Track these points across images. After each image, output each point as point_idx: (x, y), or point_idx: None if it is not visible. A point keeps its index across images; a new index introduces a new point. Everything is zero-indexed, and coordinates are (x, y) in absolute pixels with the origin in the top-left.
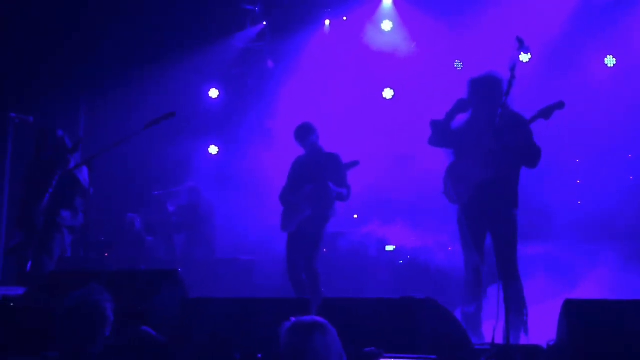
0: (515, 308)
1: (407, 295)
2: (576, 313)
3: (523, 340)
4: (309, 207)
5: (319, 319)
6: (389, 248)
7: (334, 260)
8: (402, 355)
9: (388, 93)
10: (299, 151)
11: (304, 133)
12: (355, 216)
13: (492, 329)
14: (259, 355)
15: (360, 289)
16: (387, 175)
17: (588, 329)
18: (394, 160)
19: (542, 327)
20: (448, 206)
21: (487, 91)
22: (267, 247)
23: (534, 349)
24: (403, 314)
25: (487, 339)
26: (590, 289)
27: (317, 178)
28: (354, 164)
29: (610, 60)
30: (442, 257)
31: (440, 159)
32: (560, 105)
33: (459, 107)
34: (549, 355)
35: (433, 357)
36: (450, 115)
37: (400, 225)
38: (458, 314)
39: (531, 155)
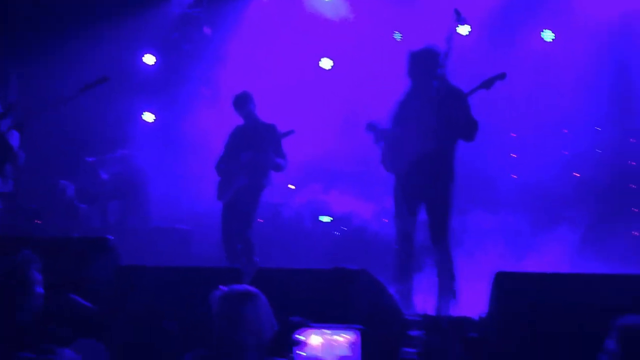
0: (446, 280)
1: (341, 266)
2: (506, 285)
3: (453, 311)
4: (245, 176)
5: (251, 288)
6: (326, 219)
7: (271, 231)
8: (328, 325)
9: (326, 63)
10: (237, 120)
11: (242, 102)
12: (292, 186)
13: (423, 301)
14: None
15: (296, 260)
16: (327, 145)
17: (517, 301)
18: (334, 130)
19: (477, 299)
20: (386, 176)
21: (426, 64)
22: (204, 217)
23: (465, 321)
24: (336, 285)
25: (419, 310)
26: (527, 261)
27: (254, 147)
28: (289, 133)
29: (547, 35)
30: (379, 227)
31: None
32: (501, 76)
33: (376, 134)
34: (479, 327)
35: (359, 326)
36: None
37: (338, 196)
38: (391, 286)
39: (469, 128)
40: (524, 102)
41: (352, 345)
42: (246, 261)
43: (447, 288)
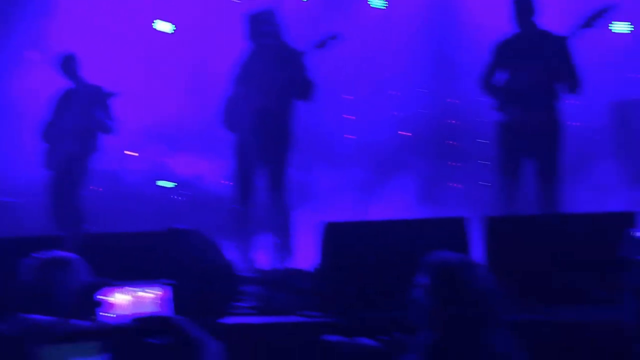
0: (282, 237)
1: (172, 226)
2: (335, 235)
3: (291, 265)
4: (73, 142)
5: (62, 254)
6: (167, 184)
7: (110, 199)
8: (136, 283)
9: (164, 25)
10: (64, 84)
11: (67, 64)
12: (132, 153)
13: (261, 258)
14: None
15: (137, 227)
16: (169, 109)
17: (345, 250)
18: (176, 94)
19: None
20: (228, 138)
21: (263, 25)
22: (31, 186)
23: (300, 273)
24: (167, 245)
25: (257, 266)
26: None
27: (80, 111)
28: (116, 93)
29: (376, 2)
30: (220, 189)
31: (221, 92)
32: (333, 37)
33: None
34: (314, 278)
35: (170, 281)
36: None
37: (180, 160)
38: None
39: (305, 88)
40: (357, 65)
41: (161, 300)
42: (76, 229)
43: (283, 244)
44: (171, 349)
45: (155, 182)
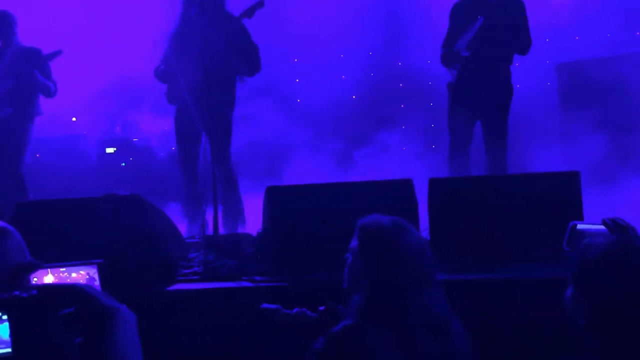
0: (229, 202)
1: (110, 192)
2: (275, 198)
3: (239, 230)
4: (9, 105)
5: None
6: (109, 150)
7: (48, 165)
8: (64, 263)
9: None
10: None
11: (4, 24)
12: (74, 119)
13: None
14: None
15: (77, 193)
16: (108, 73)
17: (284, 212)
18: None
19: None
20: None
21: None
22: None
23: (243, 237)
24: (106, 211)
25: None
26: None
27: (15, 74)
28: (56, 54)
29: None
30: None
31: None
32: (260, 4)
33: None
34: (256, 241)
35: (99, 260)
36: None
37: (127, 125)
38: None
39: (248, 54)
40: (304, 28)
41: (88, 280)
42: (18, 199)
43: (234, 211)
44: (77, 318)
45: (103, 149)
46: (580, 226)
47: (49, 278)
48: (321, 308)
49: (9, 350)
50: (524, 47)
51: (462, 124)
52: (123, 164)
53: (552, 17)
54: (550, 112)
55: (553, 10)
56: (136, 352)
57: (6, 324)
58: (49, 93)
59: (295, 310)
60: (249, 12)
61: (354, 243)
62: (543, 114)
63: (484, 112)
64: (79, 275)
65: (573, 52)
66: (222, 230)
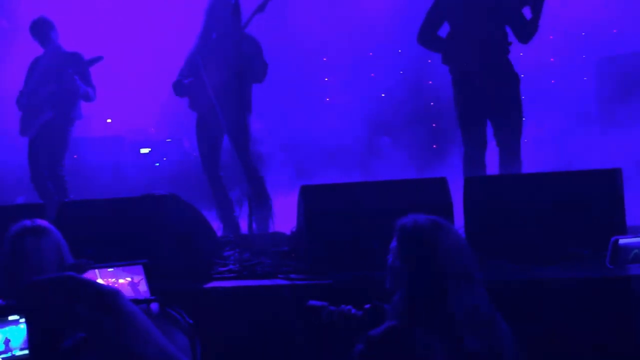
0: (259, 201)
1: (149, 192)
2: (309, 197)
3: (270, 229)
4: (49, 109)
5: (39, 222)
6: (143, 150)
7: (85, 166)
8: (111, 264)
9: None
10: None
11: (41, 29)
12: (109, 120)
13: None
14: None
15: (114, 193)
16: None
17: (320, 212)
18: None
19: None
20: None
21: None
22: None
23: (277, 236)
24: (145, 211)
25: (242, 231)
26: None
27: (57, 78)
28: (97, 59)
29: None
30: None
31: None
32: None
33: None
34: (290, 240)
35: (144, 260)
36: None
37: (154, 128)
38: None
39: (261, 70)
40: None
41: (131, 284)
42: (59, 199)
43: (264, 211)
44: (80, 306)
45: (137, 150)
46: (622, 241)
47: (97, 280)
48: (367, 306)
49: (26, 352)
50: (520, 34)
51: (472, 120)
52: (157, 164)
53: (589, 11)
54: (588, 107)
55: (589, 4)
56: (148, 323)
57: (18, 327)
58: (89, 98)
59: (341, 307)
60: (261, 7)
61: (394, 244)
62: (581, 110)
63: (489, 108)
64: (125, 281)
65: (611, 46)
66: (255, 228)
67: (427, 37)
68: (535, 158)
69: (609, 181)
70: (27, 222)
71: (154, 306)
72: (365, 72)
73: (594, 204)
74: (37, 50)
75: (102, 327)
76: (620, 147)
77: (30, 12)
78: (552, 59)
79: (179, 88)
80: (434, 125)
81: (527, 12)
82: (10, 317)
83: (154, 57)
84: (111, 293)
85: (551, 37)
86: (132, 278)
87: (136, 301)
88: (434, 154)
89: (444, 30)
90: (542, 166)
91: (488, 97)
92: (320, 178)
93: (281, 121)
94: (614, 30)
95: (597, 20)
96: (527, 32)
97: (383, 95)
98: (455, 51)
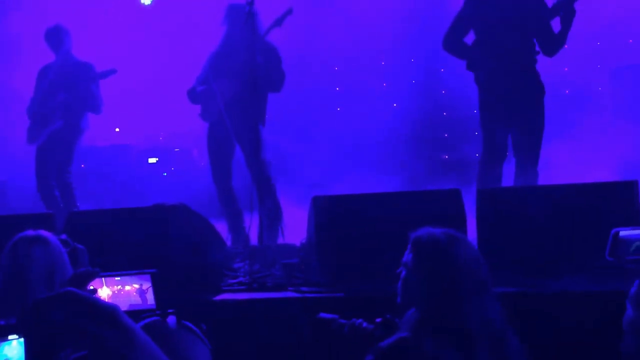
0: (270, 212)
1: (159, 202)
2: (321, 208)
3: (280, 241)
4: (59, 118)
5: (42, 233)
6: (151, 160)
7: (92, 175)
8: (119, 272)
9: None
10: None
11: (56, 36)
12: (117, 129)
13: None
14: None
15: (121, 202)
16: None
17: (331, 223)
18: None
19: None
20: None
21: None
22: (17, 165)
23: (287, 247)
24: (154, 222)
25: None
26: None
27: (68, 88)
28: (111, 72)
29: None
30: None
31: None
32: (289, 12)
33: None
34: (300, 251)
35: (152, 270)
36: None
37: (162, 137)
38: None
39: (278, 79)
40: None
41: (139, 292)
42: (65, 208)
43: (274, 222)
44: (81, 323)
45: (145, 159)
46: (623, 233)
47: (105, 290)
48: (378, 320)
49: None
50: (547, 46)
51: (494, 130)
52: (165, 174)
53: (604, 21)
54: (603, 117)
55: (605, 14)
56: (147, 339)
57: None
58: (98, 110)
59: (352, 320)
60: (279, 21)
61: (408, 257)
62: (595, 120)
63: (514, 114)
64: (132, 287)
65: (626, 56)
66: (265, 239)
67: (453, 43)
68: (549, 169)
69: (625, 193)
70: (32, 233)
71: (171, 319)
72: (377, 82)
73: (610, 216)
74: (44, 58)
75: (105, 342)
76: (637, 159)
77: (39, 21)
78: (566, 69)
79: (192, 95)
80: (446, 135)
81: (555, 24)
82: (10, 337)
83: (162, 66)
84: (110, 309)
85: (566, 46)
86: (140, 285)
87: (152, 313)
88: (446, 164)
89: (470, 38)
90: (557, 178)
91: (512, 105)
92: (331, 189)
93: (292, 131)
94: (630, 41)
95: (612, 30)
96: (554, 45)
97: (395, 105)
98: (481, 58)
